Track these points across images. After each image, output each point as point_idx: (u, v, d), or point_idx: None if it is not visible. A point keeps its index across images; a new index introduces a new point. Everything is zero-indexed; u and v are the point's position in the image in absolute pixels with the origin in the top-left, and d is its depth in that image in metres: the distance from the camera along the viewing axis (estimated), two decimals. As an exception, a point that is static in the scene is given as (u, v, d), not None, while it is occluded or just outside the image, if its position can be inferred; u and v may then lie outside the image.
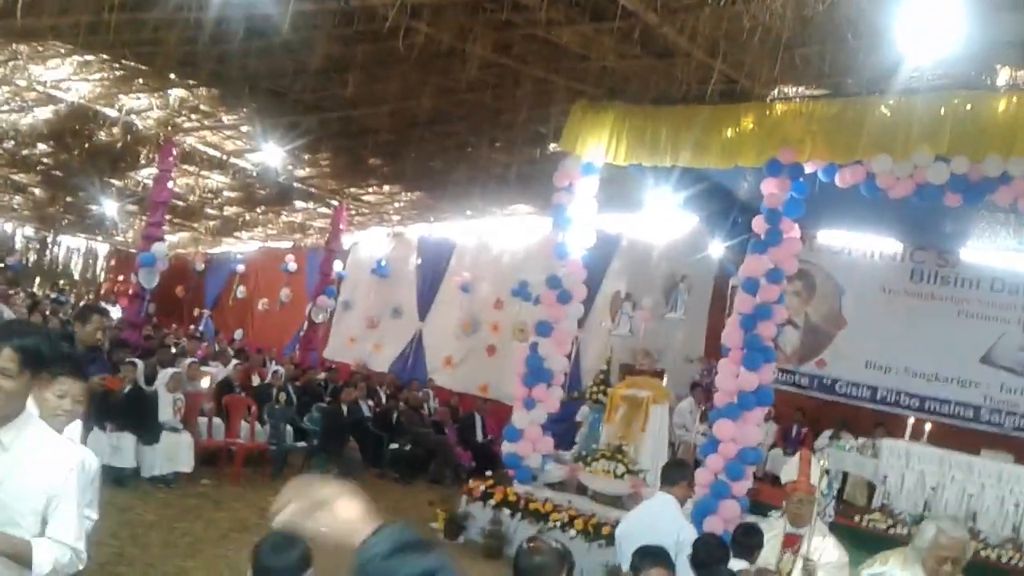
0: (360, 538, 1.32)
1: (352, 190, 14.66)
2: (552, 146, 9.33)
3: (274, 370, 12.04)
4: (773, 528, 4.61)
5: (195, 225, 17.97)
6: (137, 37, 8.40)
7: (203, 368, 10.98)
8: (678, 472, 5.03)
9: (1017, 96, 5.77)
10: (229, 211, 16.63)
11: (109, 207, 16.48)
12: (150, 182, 13.61)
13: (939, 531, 3.45)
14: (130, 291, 12.45)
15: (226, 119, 11.57)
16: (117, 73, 9.93)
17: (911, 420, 7.98)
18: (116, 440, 8.20)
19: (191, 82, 10.08)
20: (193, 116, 11.50)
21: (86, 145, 12.65)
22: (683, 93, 7.15)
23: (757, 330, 6.72)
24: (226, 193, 15.32)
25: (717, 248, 10.85)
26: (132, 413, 8.50)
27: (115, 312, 14.01)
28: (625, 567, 4.01)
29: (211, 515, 7.97)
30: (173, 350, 12.61)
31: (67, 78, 10.28)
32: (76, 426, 3.32)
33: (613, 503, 7.25)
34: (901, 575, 3.45)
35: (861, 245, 11.65)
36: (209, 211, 16.72)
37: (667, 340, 12.31)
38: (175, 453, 8.82)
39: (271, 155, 11.85)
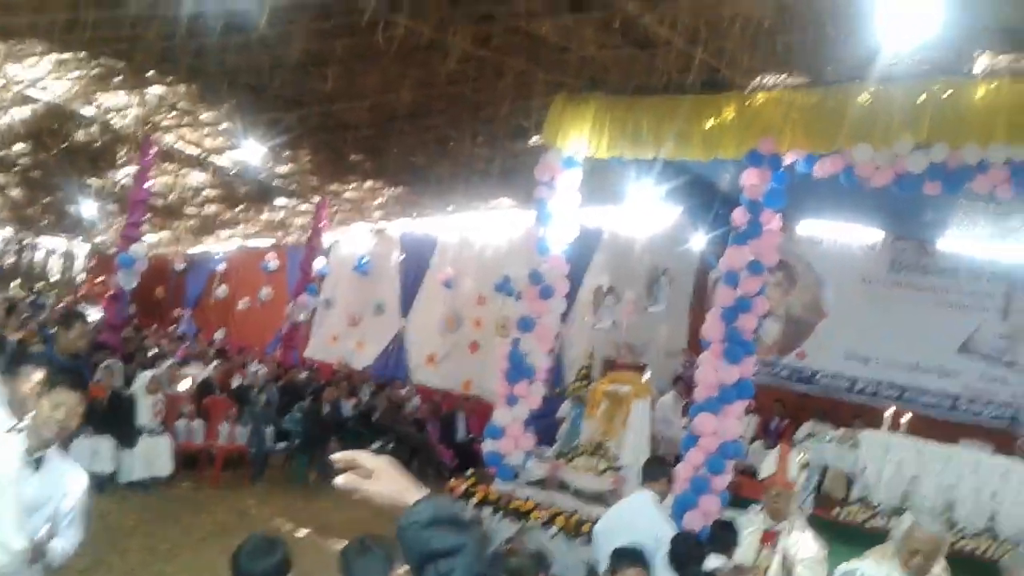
0: (410, 501, 1.50)
1: (333, 186, 14.54)
2: (534, 139, 9.27)
3: (254, 370, 11.94)
4: (753, 523, 4.58)
5: (175, 224, 17.81)
6: (115, 34, 8.29)
7: (183, 370, 10.88)
8: (658, 468, 5.01)
9: (996, 83, 5.75)
10: (209, 209, 16.47)
11: (88, 207, 16.29)
12: (129, 181, 13.46)
13: (914, 524, 3.51)
14: (110, 292, 12.28)
15: (205, 116, 11.44)
16: (95, 71, 9.81)
17: (890, 411, 7.94)
18: (94, 444, 8.11)
19: (169, 79, 9.97)
20: (172, 113, 11.38)
21: (64, 144, 12.49)
22: (664, 83, 7.10)
23: (738, 323, 6.67)
24: (206, 191, 15.17)
25: (699, 240, 10.80)
26: (110, 417, 8.41)
27: (95, 314, 13.84)
28: (603, 565, 3.97)
29: (190, 519, 7.90)
30: (154, 351, 12.50)
31: (44, 76, 10.14)
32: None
33: (595, 500, 7.18)
34: (876, 571, 3.44)
35: (841, 235, 11.61)
36: (189, 210, 16.56)
37: (650, 334, 12.28)
38: (153, 457, 8.74)
39: (251, 152, 11.71)
